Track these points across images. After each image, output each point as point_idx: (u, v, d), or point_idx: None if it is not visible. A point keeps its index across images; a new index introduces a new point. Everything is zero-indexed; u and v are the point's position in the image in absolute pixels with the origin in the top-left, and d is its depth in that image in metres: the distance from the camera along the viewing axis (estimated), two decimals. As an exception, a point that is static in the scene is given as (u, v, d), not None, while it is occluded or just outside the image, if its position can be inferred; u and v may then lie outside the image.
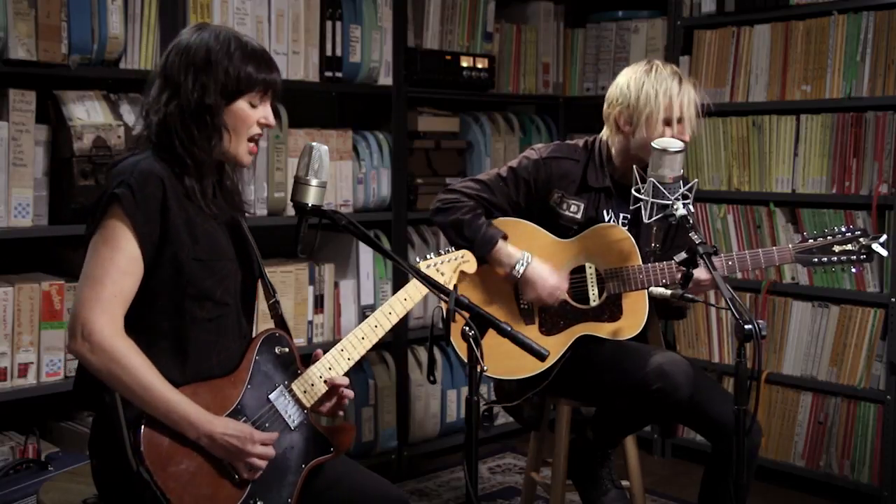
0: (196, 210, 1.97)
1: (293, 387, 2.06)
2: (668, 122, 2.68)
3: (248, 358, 2.02)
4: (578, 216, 2.78)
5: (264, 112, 2.04)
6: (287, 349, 2.09)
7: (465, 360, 1.95)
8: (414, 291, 2.21)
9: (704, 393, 2.65)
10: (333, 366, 2.10)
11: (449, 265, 2.34)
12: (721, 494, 2.62)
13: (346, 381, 2.10)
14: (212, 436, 1.88)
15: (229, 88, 1.97)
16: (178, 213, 1.93)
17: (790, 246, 2.69)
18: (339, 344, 2.12)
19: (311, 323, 3.57)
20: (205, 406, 1.90)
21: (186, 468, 1.87)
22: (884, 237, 2.64)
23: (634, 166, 2.59)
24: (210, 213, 1.99)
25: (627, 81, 2.73)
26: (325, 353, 2.15)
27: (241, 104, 2.00)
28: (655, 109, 2.67)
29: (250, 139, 2.03)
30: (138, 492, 1.83)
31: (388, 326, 2.17)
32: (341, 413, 2.12)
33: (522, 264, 2.71)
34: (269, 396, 2.02)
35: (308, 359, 2.16)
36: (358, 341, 2.13)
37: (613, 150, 2.81)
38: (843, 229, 2.66)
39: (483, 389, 3.62)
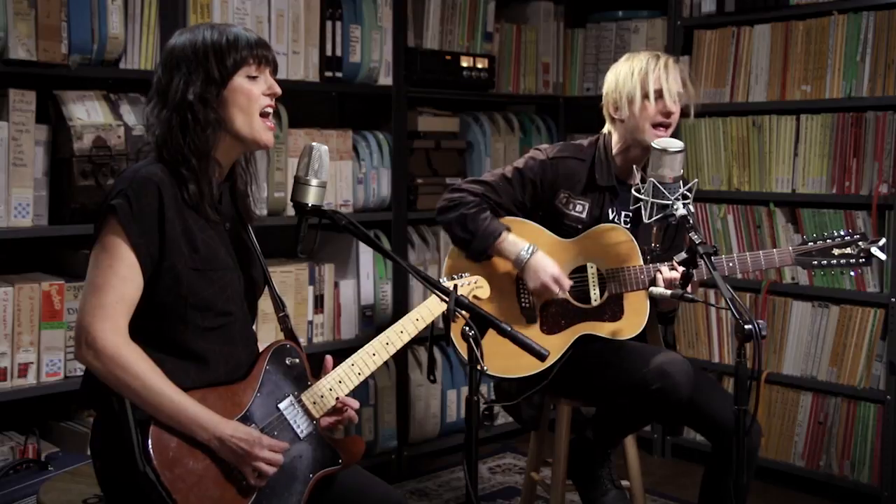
0: (196, 218, 1.96)
1: (303, 397, 2.05)
2: (647, 97, 2.72)
3: (259, 366, 2.02)
4: (583, 216, 2.78)
5: (267, 82, 2.00)
6: (297, 360, 2.08)
7: (466, 360, 1.95)
8: (426, 313, 2.21)
9: (704, 393, 2.65)
10: (343, 379, 2.09)
11: (463, 289, 2.35)
12: (721, 494, 2.63)
13: (356, 404, 2.10)
14: (221, 438, 1.87)
15: (217, 71, 1.94)
16: (177, 221, 1.92)
17: (790, 248, 2.69)
18: (349, 358, 2.11)
19: (311, 323, 3.57)
20: (213, 410, 1.89)
21: (194, 470, 1.87)
22: (882, 241, 2.65)
23: (634, 166, 2.60)
24: (211, 219, 1.97)
25: (610, 72, 2.84)
26: (333, 357, 2.14)
27: (238, 80, 1.96)
28: (632, 87, 2.73)
29: (263, 115, 1.99)
30: (144, 492, 1.83)
31: (399, 345, 2.16)
32: (340, 428, 2.11)
33: (528, 251, 2.71)
34: (279, 405, 2.01)
35: (315, 358, 2.15)
36: (369, 357, 2.12)
37: (613, 144, 2.83)
38: (843, 233, 2.67)
39: (483, 389, 3.62)
